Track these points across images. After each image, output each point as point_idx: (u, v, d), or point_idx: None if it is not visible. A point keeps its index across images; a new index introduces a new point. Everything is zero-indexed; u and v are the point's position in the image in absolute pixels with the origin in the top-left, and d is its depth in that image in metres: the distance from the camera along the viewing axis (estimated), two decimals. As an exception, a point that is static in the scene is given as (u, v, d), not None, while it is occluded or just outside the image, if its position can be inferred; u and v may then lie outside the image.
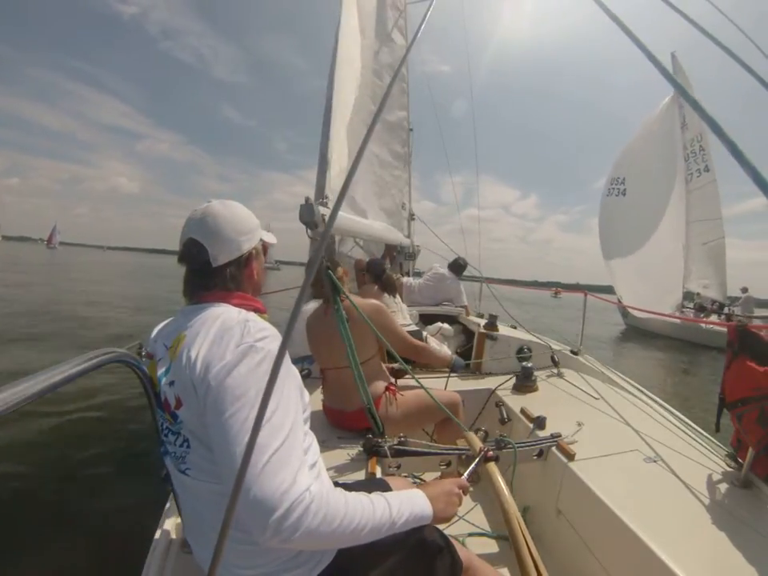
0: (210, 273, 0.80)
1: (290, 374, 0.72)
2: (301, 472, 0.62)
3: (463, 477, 0.98)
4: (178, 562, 0.97)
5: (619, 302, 11.85)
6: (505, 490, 1.03)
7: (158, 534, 1.05)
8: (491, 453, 1.14)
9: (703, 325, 10.94)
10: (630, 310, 12.53)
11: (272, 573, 0.71)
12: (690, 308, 12.24)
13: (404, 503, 0.75)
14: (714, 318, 11.53)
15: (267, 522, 0.57)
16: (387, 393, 1.66)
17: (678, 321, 11.16)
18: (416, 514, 0.75)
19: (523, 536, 0.92)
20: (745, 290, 11.86)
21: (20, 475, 2.51)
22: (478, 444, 1.18)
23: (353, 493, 0.70)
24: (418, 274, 4.26)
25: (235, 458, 0.60)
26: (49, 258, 37.46)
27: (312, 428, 0.83)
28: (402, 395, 1.69)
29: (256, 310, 0.81)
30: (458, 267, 3.74)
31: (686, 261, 13.06)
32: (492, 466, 1.10)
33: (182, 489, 0.77)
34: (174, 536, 1.07)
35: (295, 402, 0.69)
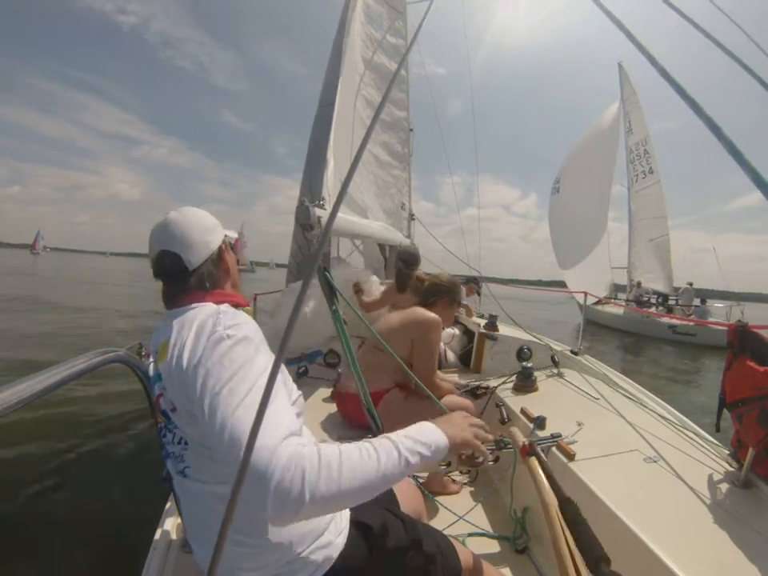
0: (188, 277, 0.80)
1: (267, 352, 0.69)
2: (275, 431, 0.56)
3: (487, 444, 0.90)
4: (178, 561, 0.98)
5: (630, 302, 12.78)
6: (545, 483, 1.02)
7: (158, 534, 1.05)
8: (528, 446, 1.12)
9: (654, 316, 12.07)
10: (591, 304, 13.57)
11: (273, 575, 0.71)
12: (631, 301, 13.35)
13: (409, 435, 0.68)
14: (653, 309, 12.91)
15: (268, 494, 0.52)
16: (397, 389, 1.73)
17: (621, 313, 12.81)
18: (429, 442, 0.69)
19: (561, 529, 0.91)
20: (690, 284, 13.31)
21: (20, 475, 2.51)
22: (521, 439, 1.17)
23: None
24: None
25: (222, 441, 0.57)
26: (31, 263, 34.76)
27: (311, 428, 0.83)
28: (411, 395, 1.75)
29: (237, 305, 0.81)
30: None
31: (629, 255, 14.31)
32: (533, 461, 1.09)
33: (181, 490, 0.78)
34: (173, 536, 1.07)
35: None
